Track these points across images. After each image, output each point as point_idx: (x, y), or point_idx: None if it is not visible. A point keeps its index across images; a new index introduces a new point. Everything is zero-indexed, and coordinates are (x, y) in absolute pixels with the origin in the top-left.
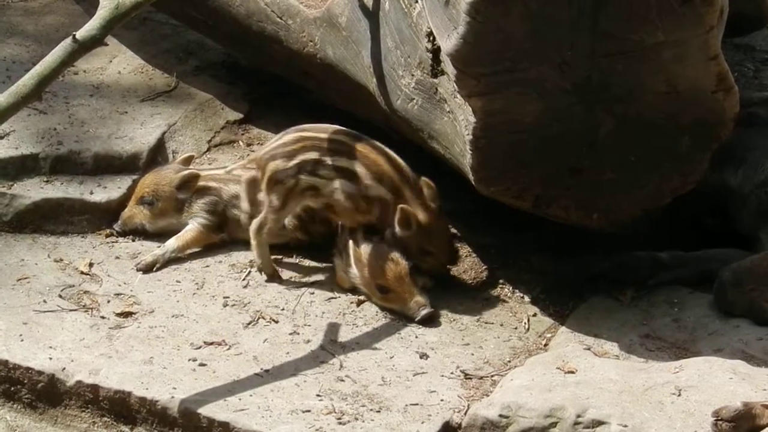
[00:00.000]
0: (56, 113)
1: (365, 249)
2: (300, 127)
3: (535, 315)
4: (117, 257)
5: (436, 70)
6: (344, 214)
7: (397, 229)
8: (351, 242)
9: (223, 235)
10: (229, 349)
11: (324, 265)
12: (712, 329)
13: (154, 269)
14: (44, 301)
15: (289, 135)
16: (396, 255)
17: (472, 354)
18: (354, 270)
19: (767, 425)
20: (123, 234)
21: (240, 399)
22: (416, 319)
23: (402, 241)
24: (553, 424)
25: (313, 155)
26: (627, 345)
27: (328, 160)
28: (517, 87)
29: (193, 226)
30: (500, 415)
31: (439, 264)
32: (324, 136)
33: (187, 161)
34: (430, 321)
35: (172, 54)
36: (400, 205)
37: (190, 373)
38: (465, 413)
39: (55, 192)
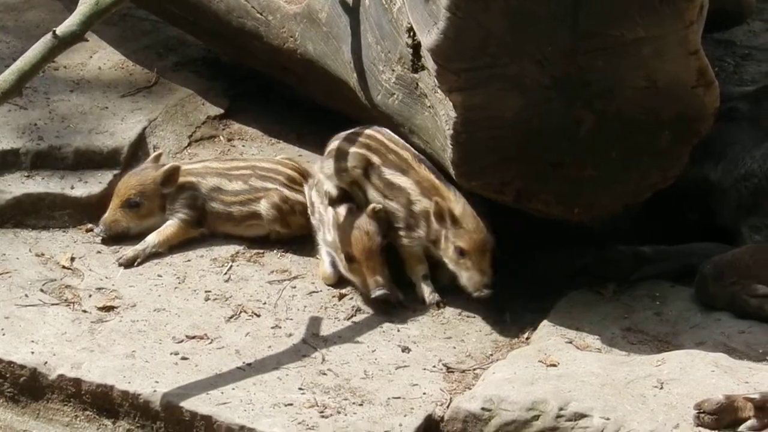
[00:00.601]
0: (37, 108)
1: (347, 216)
2: None
3: (517, 309)
4: (98, 252)
5: (416, 66)
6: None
7: (435, 224)
8: (331, 208)
9: (203, 229)
10: (211, 342)
11: (305, 258)
12: (694, 322)
13: (135, 264)
14: (26, 296)
15: None
16: (372, 229)
17: (455, 347)
18: (330, 235)
19: (749, 418)
20: (107, 240)
21: (222, 392)
22: (371, 297)
23: (437, 244)
24: (536, 417)
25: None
26: (609, 338)
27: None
28: (497, 82)
29: (173, 221)
30: (483, 408)
31: (476, 272)
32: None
33: (158, 159)
34: (385, 303)
35: (153, 50)
36: (435, 198)
37: (173, 366)
38: (447, 406)
39: (36, 187)
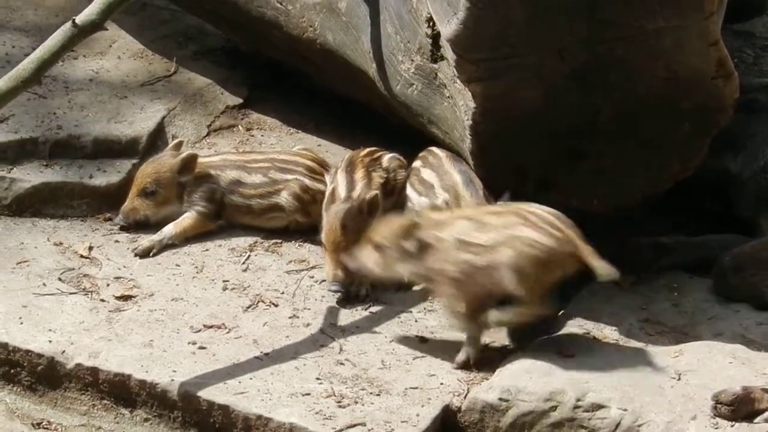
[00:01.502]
0: (56, 97)
1: (339, 205)
2: None
3: None
4: (116, 241)
5: (435, 56)
6: None
7: None
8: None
9: (220, 222)
10: (228, 332)
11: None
12: (712, 314)
13: (150, 255)
14: (44, 284)
15: None
16: (349, 226)
17: None
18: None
19: (766, 409)
20: (125, 228)
21: (240, 382)
22: (328, 289)
23: None
24: (553, 408)
25: None
26: (627, 329)
27: None
28: (516, 72)
29: (190, 214)
30: (500, 399)
31: None
32: None
33: (178, 147)
34: (342, 302)
35: (172, 39)
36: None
37: (190, 356)
38: (465, 397)
39: (55, 176)
